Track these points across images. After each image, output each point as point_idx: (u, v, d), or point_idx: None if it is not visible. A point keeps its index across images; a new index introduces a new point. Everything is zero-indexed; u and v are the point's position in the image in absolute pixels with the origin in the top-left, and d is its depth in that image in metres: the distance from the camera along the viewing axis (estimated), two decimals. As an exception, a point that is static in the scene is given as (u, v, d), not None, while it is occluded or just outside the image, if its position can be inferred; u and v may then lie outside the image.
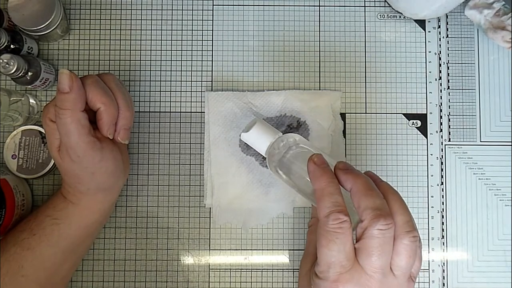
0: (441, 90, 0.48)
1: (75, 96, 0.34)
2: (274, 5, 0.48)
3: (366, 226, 0.30)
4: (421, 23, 0.49)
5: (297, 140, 0.38)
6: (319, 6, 0.49)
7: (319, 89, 0.48)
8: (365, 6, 0.49)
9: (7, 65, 0.39)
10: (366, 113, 0.48)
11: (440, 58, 0.48)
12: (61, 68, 0.35)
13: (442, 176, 0.47)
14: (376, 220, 0.30)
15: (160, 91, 0.48)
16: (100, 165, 0.37)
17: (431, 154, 0.47)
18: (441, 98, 0.48)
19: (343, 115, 0.48)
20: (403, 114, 0.48)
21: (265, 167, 0.46)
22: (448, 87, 0.48)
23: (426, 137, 0.48)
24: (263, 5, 0.48)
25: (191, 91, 0.48)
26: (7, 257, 0.38)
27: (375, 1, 0.49)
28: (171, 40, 0.48)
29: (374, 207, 0.30)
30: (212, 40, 0.48)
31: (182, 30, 0.48)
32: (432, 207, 0.47)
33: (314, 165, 0.34)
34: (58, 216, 0.39)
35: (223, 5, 0.48)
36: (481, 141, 0.48)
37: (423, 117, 0.48)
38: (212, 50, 0.48)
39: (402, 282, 0.31)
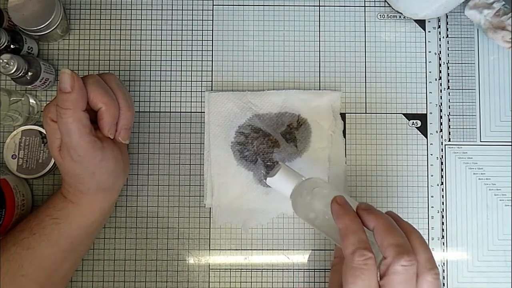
0: (441, 90, 0.48)
1: (77, 95, 0.35)
2: (274, 5, 0.48)
3: (390, 262, 0.31)
4: (421, 23, 0.49)
5: (318, 183, 0.39)
6: (319, 6, 0.49)
7: (319, 89, 0.48)
8: (365, 6, 0.49)
9: (7, 65, 0.39)
10: (366, 113, 0.48)
11: (440, 58, 0.48)
12: (61, 68, 0.35)
13: (442, 176, 0.47)
14: (400, 256, 0.31)
15: (160, 91, 0.48)
16: (101, 165, 0.37)
17: (431, 154, 0.47)
18: (441, 98, 0.48)
19: (343, 115, 0.48)
20: (403, 114, 0.48)
21: (265, 167, 0.46)
22: (448, 87, 0.48)
23: (426, 137, 0.48)
24: (263, 5, 0.48)
25: (191, 91, 0.48)
26: (7, 256, 0.38)
27: (375, 1, 0.49)
28: (171, 40, 0.48)
29: (397, 244, 0.31)
30: (212, 40, 0.48)
31: (182, 30, 0.48)
32: (432, 207, 0.47)
33: (337, 205, 0.35)
34: (58, 215, 0.39)
35: (223, 5, 0.48)
36: (481, 141, 0.48)
37: (423, 117, 0.48)
38: (212, 50, 0.48)
39: None
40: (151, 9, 0.48)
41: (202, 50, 0.48)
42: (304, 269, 0.46)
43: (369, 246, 0.32)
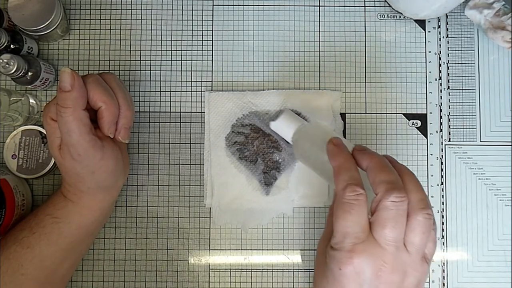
0: (441, 90, 0.48)
1: (77, 94, 0.35)
2: (274, 5, 0.48)
3: (380, 198, 0.31)
4: (421, 23, 0.49)
5: (320, 126, 0.40)
6: (319, 6, 0.49)
7: (319, 89, 0.48)
8: (365, 6, 0.49)
9: (7, 65, 0.39)
10: (366, 113, 0.48)
11: (440, 58, 0.48)
12: (61, 68, 0.35)
13: (442, 176, 0.47)
14: (390, 192, 0.31)
15: (160, 91, 0.48)
16: (101, 164, 0.37)
17: (431, 154, 0.47)
18: (441, 98, 0.48)
19: (343, 115, 0.48)
20: (403, 114, 0.48)
21: (264, 165, 0.46)
22: (448, 87, 0.48)
23: (426, 137, 0.48)
24: (263, 5, 0.48)
25: (191, 91, 0.48)
26: (7, 255, 0.38)
27: (375, 1, 0.49)
28: (171, 40, 0.48)
29: (388, 180, 0.31)
30: (212, 40, 0.48)
31: (182, 30, 0.48)
32: (432, 207, 0.47)
33: (333, 145, 0.36)
34: (58, 215, 0.39)
35: (223, 5, 0.48)
36: (481, 141, 0.48)
37: (423, 117, 0.48)
38: (212, 50, 0.48)
39: (415, 260, 0.32)
40: (151, 9, 0.48)
41: (202, 50, 0.48)
42: (304, 269, 0.46)
43: (360, 183, 0.32)
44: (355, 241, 0.31)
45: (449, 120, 0.48)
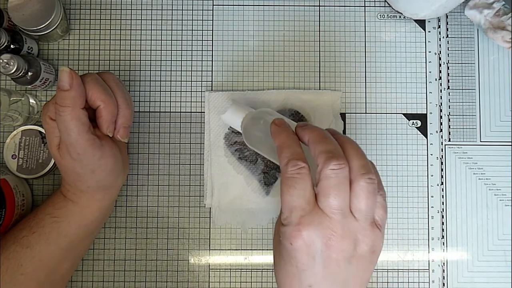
0: (441, 90, 0.48)
1: (75, 93, 0.35)
2: (274, 5, 0.48)
3: (320, 168, 0.31)
4: (421, 23, 0.49)
5: (264, 112, 0.41)
6: (319, 6, 0.49)
7: (319, 89, 0.48)
8: (365, 6, 0.49)
9: (7, 65, 0.39)
10: (366, 113, 0.48)
11: (440, 58, 0.48)
12: (60, 67, 0.35)
13: (442, 176, 0.47)
14: (329, 161, 0.31)
15: (160, 91, 0.48)
16: (100, 163, 0.37)
17: (431, 154, 0.47)
18: (441, 98, 0.48)
19: (343, 115, 0.48)
20: (403, 114, 0.48)
21: (264, 164, 0.46)
22: (448, 87, 0.48)
23: (426, 137, 0.48)
24: (263, 5, 0.48)
25: (191, 91, 0.48)
26: (6, 255, 0.38)
27: (375, 1, 0.49)
28: (171, 40, 0.48)
29: (327, 150, 0.32)
30: (212, 40, 0.48)
31: (182, 30, 0.48)
32: (432, 207, 0.47)
33: (275, 125, 0.36)
34: (58, 214, 0.39)
35: (223, 5, 0.48)
36: (481, 141, 0.48)
37: (423, 117, 0.48)
38: (212, 50, 0.48)
39: (365, 226, 0.32)
40: (151, 9, 0.48)
41: (202, 50, 0.48)
42: (304, 269, 0.46)
43: (302, 157, 0.32)
44: (302, 214, 0.31)
45: (449, 120, 0.48)
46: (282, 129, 0.36)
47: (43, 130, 0.45)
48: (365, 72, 0.48)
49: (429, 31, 0.49)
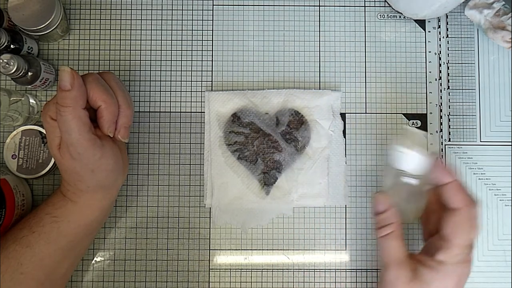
0: (441, 90, 0.48)
1: (76, 93, 0.35)
2: (274, 5, 0.48)
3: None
4: (421, 23, 0.49)
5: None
6: (319, 6, 0.49)
7: (319, 89, 0.48)
8: (365, 6, 0.49)
9: (7, 65, 0.39)
10: (366, 113, 0.48)
11: (440, 58, 0.48)
12: (61, 66, 0.35)
13: (442, 176, 0.47)
14: (471, 205, 0.37)
15: (160, 91, 0.48)
16: (100, 162, 0.37)
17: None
18: (441, 98, 0.48)
19: (343, 115, 0.48)
20: (403, 114, 0.48)
21: (264, 166, 0.46)
22: (448, 87, 0.48)
23: (426, 137, 0.48)
24: (263, 5, 0.48)
25: (191, 91, 0.48)
26: (6, 254, 0.38)
27: (375, 1, 0.49)
28: (171, 40, 0.48)
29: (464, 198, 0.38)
30: (212, 40, 0.48)
31: (182, 30, 0.48)
32: (432, 207, 0.47)
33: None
34: (58, 214, 0.39)
35: (223, 5, 0.48)
36: (481, 141, 0.48)
37: (423, 117, 0.48)
38: (212, 50, 0.48)
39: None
40: (151, 9, 0.48)
41: (202, 50, 0.48)
42: (304, 269, 0.46)
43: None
44: (470, 251, 0.37)
45: (449, 120, 0.48)
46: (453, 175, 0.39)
47: (43, 130, 0.45)
48: (365, 72, 0.48)
49: (429, 31, 0.49)
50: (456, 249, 0.36)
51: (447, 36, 0.49)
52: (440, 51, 0.48)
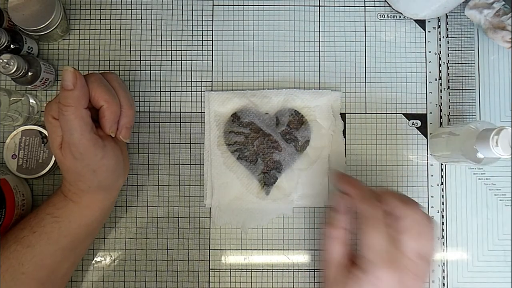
0: (441, 90, 0.48)
1: (79, 93, 0.35)
2: (274, 5, 0.48)
3: (404, 217, 0.36)
4: (421, 23, 0.49)
5: None
6: (319, 6, 0.49)
7: (319, 89, 0.48)
8: (365, 6, 0.49)
9: (7, 65, 0.39)
10: (366, 113, 0.48)
11: (440, 58, 0.48)
12: (62, 68, 0.35)
13: (442, 176, 0.47)
14: (416, 205, 0.36)
15: (160, 91, 0.48)
16: (102, 162, 0.37)
17: (431, 154, 0.47)
18: (441, 98, 0.48)
19: (343, 115, 0.48)
20: (403, 114, 0.48)
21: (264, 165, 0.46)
22: (448, 87, 0.48)
23: (426, 137, 0.48)
24: (263, 5, 0.48)
25: (191, 91, 0.48)
26: (7, 254, 0.38)
27: (375, 1, 0.49)
28: (171, 40, 0.48)
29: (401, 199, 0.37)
30: (212, 40, 0.48)
31: (182, 30, 0.48)
32: (432, 207, 0.47)
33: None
34: (58, 214, 0.39)
35: (223, 5, 0.48)
36: (481, 141, 0.48)
37: (423, 117, 0.48)
38: (212, 50, 0.48)
39: (429, 270, 0.36)
40: (151, 9, 0.48)
41: (202, 50, 0.48)
42: (304, 269, 0.46)
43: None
44: (385, 254, 0.35)
45: (449, 120, 0.48)
46: (347, 177, 0.42)
47: (43, 130, 0.45)
48: (365, 72, 0.48)
49: (429, 31, 0.49)
50: (367, 254, 0.35)
51: (447, 36, 0.49)
52: (440, 51, 0.48)
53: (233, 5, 0.48)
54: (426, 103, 0.48)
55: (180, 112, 0.47)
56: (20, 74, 0.41)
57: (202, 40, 0.48)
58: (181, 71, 0.48)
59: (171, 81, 0.48)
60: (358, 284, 0.35)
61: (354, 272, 0.36)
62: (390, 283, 0.34)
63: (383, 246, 0.35)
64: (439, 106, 0.48)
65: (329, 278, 0.39)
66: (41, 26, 0.42)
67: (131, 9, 0.48)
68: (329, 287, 0.39)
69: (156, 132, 0.47)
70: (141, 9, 0.48)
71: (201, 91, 0.48)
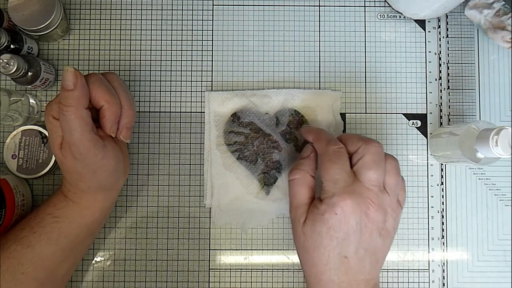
0: (441, 90, 0.48)
1: (79, 93, 0.35)
2: (274, 5, 0.48)
3: (363, 147, 0.36)
4: (421, 23, 0.49)
5: None
6: (319, 6, 0.49)
7: (319, 89, 0.48)
8: (365, 6, 0.49)
9: (7, 65, 0.39)
10: (366, 113, 0.48)
11: (440, 58, 0.48)
12: (62, 68, 0.35)
13: (442, 176, 0.47)
14: (371, 142, 0.37)
15: (160, 91, 0.48)
16: (102, 163, 0.37)
17: (431, 154, 0.47)
18: (441, 98, 0.48)
19: (343, 115, 0.48)
20: (403, 114, 0.48)
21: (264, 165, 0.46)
22: (448, 87, 0.48)
23: (426, 137, 0.48)
24: (263, 5, 0.48)
25: (191, 91, 0.48)
26: (7, 254, 0.38)
27: (375, 1, 0.49)
28: (171, 40, 0.48)
29: (361, 137, 0.38)
30: (212, 40, 0.48)
31: (182, 30, 0.48)
32: (432, 207, 0.47)
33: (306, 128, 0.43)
34: (59, 214, 0.39)
35: (223, 5, 0.48)
36: (481, 141, 0.48)
37: (423, 117, 0.48)
38: (212, 50, 0.48)
39: (393, 201, 0.37)
40: (151, 9, 0.48)
41: (202, 50, 0.48)
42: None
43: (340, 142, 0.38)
44: (345, 185, 0.36)
45: (449, 120, 0.48)
46: (312, 127, 0.43)
47: (43, 130, 0.45)
48: (365, 72, 0.48)
49: (429, 31, 0.49)
50: (327, 184, 0.36)
51: (447, 36, 0.49)
52: (440, 51, 0.48)
53: (233, 5, 0.48)
54: (426, 103, 0.48)
55: (180, 112, 0.47)
56: (20, 74, 0.41)
57: (202, 40, 0.48)
58: (181, 71, 0.48)
59: (171, 81, 0.48)
60: (324, 218, 0.36)
61: (318, 207, 0.36)
62: (353, 214, 0.35)
63: (343, 178, 0.36)
64: (439, 106, 0.48)
65: (296, 219, 0.39)
66: (41, 26, 0.42)
67: (131, 9, 0.48)
68: (296, 228, 0.38)
69: (156, 132, 0.47)
70: (141, 9, 0.48)
71: (201, 91, 0.48)
